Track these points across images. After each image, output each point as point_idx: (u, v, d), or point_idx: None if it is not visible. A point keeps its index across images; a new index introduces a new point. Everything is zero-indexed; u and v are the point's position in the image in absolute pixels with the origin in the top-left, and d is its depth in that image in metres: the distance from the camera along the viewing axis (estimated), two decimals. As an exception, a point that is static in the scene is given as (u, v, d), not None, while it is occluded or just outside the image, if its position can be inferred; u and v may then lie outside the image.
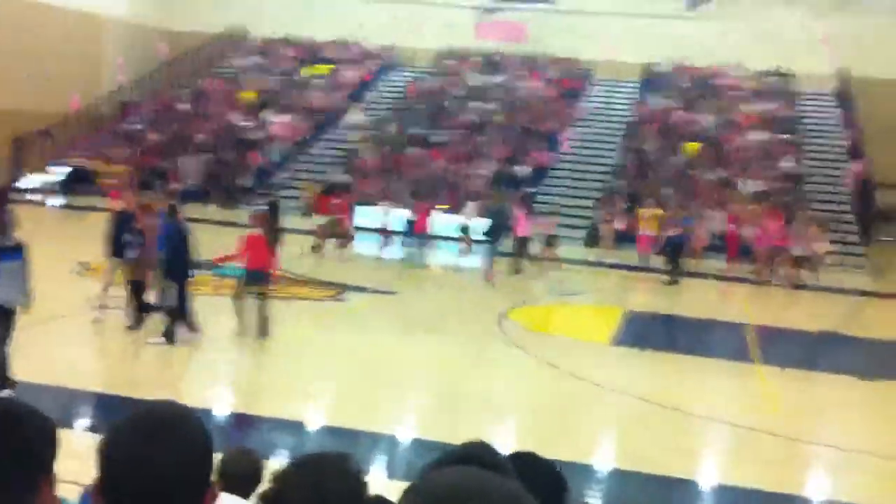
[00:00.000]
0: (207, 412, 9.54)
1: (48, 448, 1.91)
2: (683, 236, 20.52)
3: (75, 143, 31.61)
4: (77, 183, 27.28)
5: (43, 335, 11.18)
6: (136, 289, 12.29)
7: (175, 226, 12.02)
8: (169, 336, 11.74)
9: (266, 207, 14.24)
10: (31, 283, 9.28)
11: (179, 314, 11.87)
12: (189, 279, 11.99)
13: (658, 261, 22.49)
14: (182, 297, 11.83)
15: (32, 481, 1.77)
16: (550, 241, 20.87)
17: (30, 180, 28.36)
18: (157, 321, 12.19)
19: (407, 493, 1.29)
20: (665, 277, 20.14)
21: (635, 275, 21.58)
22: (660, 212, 23.43)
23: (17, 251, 9.22)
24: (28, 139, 29.23)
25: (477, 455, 1.99)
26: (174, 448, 1.72)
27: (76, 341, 12.03)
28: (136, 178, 28.35)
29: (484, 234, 19.64)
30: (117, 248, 12.38)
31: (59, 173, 28.50)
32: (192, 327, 12.02)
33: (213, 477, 1.84)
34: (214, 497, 1.79)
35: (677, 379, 12.46)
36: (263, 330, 12.41)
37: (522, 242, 20.39)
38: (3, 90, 30.83)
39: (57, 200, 26.62)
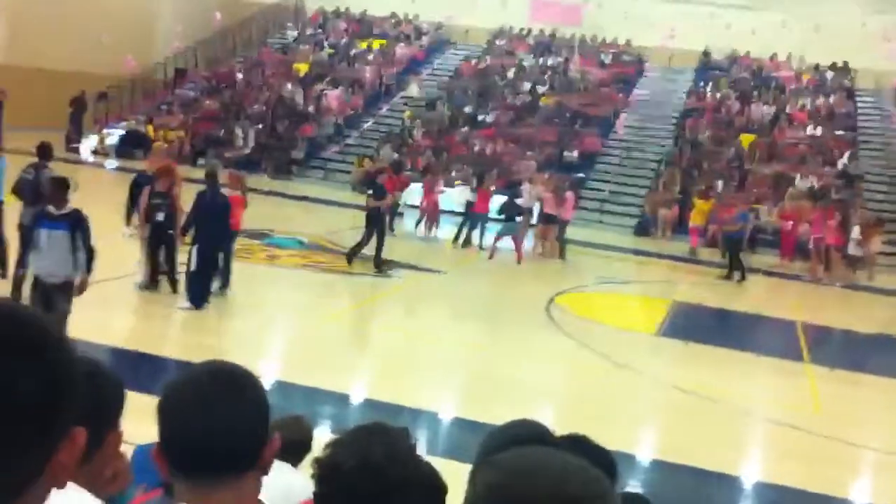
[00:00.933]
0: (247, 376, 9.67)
1: (115, 403, 1.96)
2: (742, 232, 20.19)
3: (131, 108, 32.00)
4: (132, 146, 27.57)
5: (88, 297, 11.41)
6: (155, 251, 12.29)
7: (209, 195, 12.04)
8: (199, 301, 11.79)
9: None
10: (82, 255, 8.79)
11: (193, 277, 11.84)
12: (207, 254, 11.88)
13: (707, 253, 22.32)
14: (199, 266, 11.75)
15: (98, 435, 1.80)
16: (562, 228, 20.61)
17: (86, 142, 28.77)
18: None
19: (483, 467, 1.29)
20: (722, 272, 19.84)
21: (685, 266, 21.41)
22: (711, 203, 23.22)
23: (60, 221, 8.73)
24: (85, 101, 29.57)
25: (538, 435, 1.99)
26: (232, 405, 1.76)
27: (118, 303, 12.16)
28: (188, 145, 28.71)
29: (499, 212, 19.64)
30: (130, 211, 12.69)
31: (114, 136, 28.86)
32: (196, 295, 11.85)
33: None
34: (273, 450, 1.82)
35: (723, 373, 12.39)
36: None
37: (563, 227, 20.30)
38: (63, 52, 31.27)
39: (112, 163, 26.97)
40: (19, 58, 30.05)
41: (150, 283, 12.41)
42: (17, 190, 11.45)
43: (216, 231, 11.95)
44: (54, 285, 8.79)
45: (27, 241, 9.19)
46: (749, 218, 20.74)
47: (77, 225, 8.76)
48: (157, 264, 12.40)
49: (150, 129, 29.31)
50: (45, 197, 11.19)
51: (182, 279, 12.19)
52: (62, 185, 9.03)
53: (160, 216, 12.05)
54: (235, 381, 1.84)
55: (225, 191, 12.86)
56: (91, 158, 27.79)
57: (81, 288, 8.90)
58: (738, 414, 10.50)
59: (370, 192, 16.07)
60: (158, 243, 12.22)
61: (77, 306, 10.04)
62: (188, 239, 12.40)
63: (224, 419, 1.73)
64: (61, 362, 1.21)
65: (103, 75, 31.56)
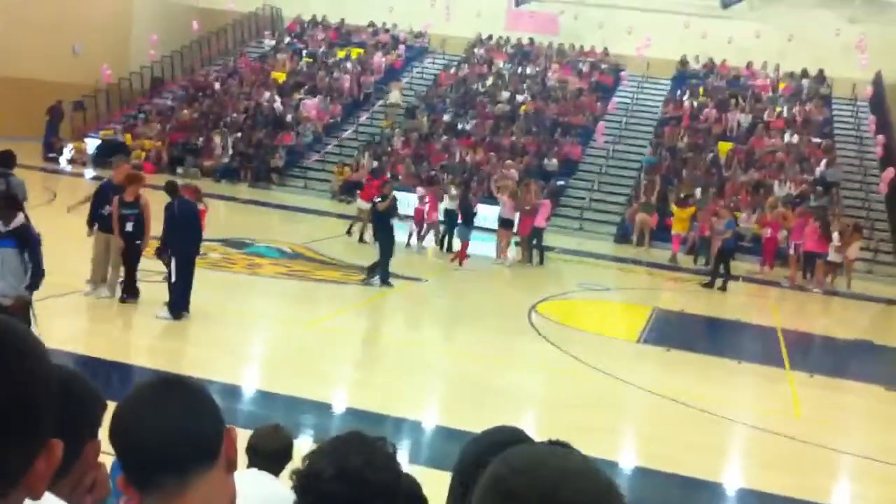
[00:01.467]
0: (231, 388, 9.63)
1: (93, 412, 1.94)
2: (731, 241, 20.19)
3: (108, 117, 31.82)
4: (109, 155, 27.38)
5: (59, 307, 11.29)
6: (128, 261, 12.20)
7: (177, 203, 11.95)
8: (177, 310, 11.72)
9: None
10: (28, 270, 8.32)
11: (172, 288, 11.78)
12: (189, 257, 11.86)
13: (687, 261, 22.46)
14: (180, 274, 11.70)
15: (77, 445, 1.78)
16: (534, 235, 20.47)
17: (64, 151, 28.57)
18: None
19: (496, 459, 1.30)
20: (703, 279, 19.92)
21: (666, 273, 21.50)
22: (692, 210, 23.38)
23: (7, 238, 8.30)
24: (62, 111, 29.38)
25: (517, 441, 1.99)
26: (178, 402, 1.74)
27: (91, 314, 12.09)
28: (166, 153, 28.56)
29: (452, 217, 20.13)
30: (95, 219, 12.33)
31: (90, 145, 28.68)
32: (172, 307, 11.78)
33: (244, 452, 1.86)
34: (232, 440, 1.80)
35: (704, 380, 12.43)
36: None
37: (539, 234, 20.34)
38: (39, 62, 31.08)
39: (90, 172, 26.77)
40: (-7, 68, 29.83)
41: (129, 296, 12.26)
42: None
43: (189, 239, 11.90)
44: (4, 307, 8.14)
45: None
46: (735, 226, 20.77)
47: (26, 240, 8.31)
48: (130, 277, 12.26)
49: (129, 138, 29.15)
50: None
51: (137, 287, 12.25)
52: (9, 202, 8.69)
53: (129, 226, 11.99)
54: (178, 382, 1.82)
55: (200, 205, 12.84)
56: (69, 167, 27.58)
57: (17, 306, 8.24)
58: (719, 420, 10.52)
59: (378, 199, 16.10)
60: (125, 253, 12.14)
61: (53, 315, 9.94)
62: (151, 251, 12.38)
63: (173, 416, 1.71)
64: (34, 371, 1.19)
65: (80, 84, 31.38)
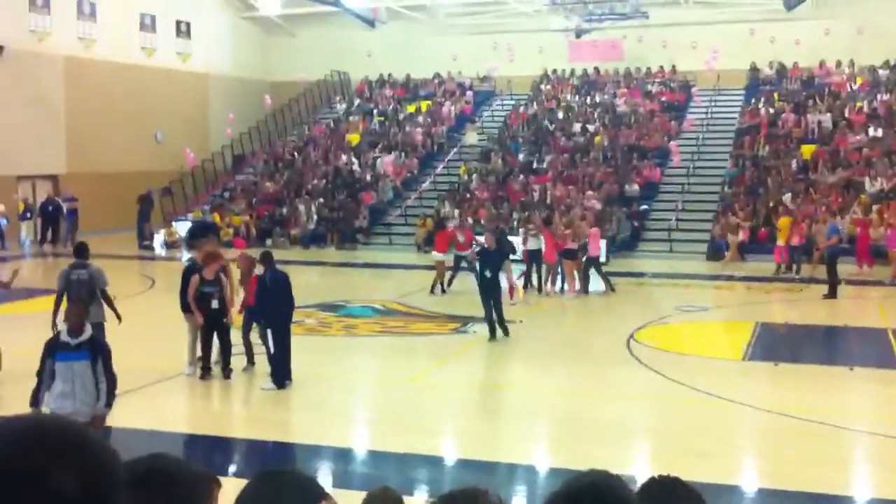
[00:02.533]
0: (341, 451, 9.73)
1: (204, 492, 2.00)
2: (837, 247, 19.61)
3: (196, 198, 32.87)
4: (200, 236, 28.22)
5: (166, 390, 11.63)
6: (208, 338, 12.34)
7: (269, 273, 12.15)
8: (279, 380, 11.88)
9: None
10: (104, 386, 7.78)
11: (272, 359, 11.98)
12: (284, 326, 12.04)
13: (790, 270, 21.93)
14: (277, 344, 11.88)
15: None
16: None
17: (157, 237, 29.56)
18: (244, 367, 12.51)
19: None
20: (824, 290, 19.30)
21: (764, 286, 21.04)
22: (789, 220, 22.83)
23: (79, 350, 7.73)
24: (152, 198, 30.44)
25: (605, 486, 1.99)
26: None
27: (196, 393, 12.31)
28: (254, 227, 29.30)
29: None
30: (184, 302, 12.49)
31: (181, 228, 29.60)
32: (276, 376, 11.94)
33: None
34: None
35: (816, 391, 12.10)
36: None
37: (594, 262, 20.09)
38: (124, 154, 32.46)
39: (184, 254, 27.59)
40: (82, 166, 31.21)
41: (205, 372, 12.43)
42: (64, 289, 11.43)
43: (282, 308, 12.09)
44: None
45: (41, 364, 7.84)
46: (839, 229, 20.11)
47: (98, 351, 7.81)
48: (209, 352, 12.46)
49: (217, 216, 30.04)
50: (95, 293, 11.49)
51: (232, 363, 12.45)
52: (80, 309, 8.08)
53: (214, 303, 12.16)
54: (283, 475, 1.93)
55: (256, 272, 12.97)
56: (163, 252, 28.50)
57: (97, 424, 7.58)
58: (838, 431, 10.21)
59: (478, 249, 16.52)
60: (211, 331, 12.30)
61: (162, 397, 10.22)
62: (237, 322, 12.56)
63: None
64: (98, 464, 1.26)
65: (165, 171, 32.55)
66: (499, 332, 15.02)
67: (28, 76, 29.65)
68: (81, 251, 12.39)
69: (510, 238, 21.45)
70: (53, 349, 7.79)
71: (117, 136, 32.30)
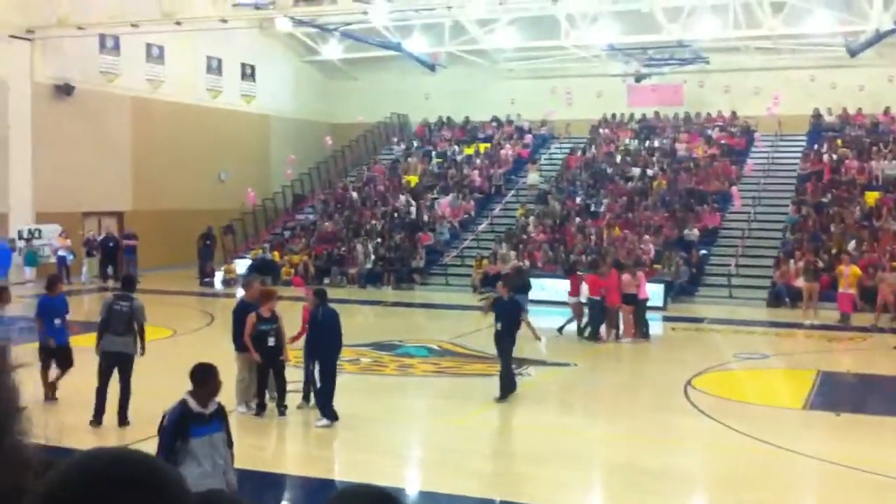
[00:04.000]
0: (395, 491, 9.69)
1: None
2: None
3: (256, 237, 33.36)
4: (261, 273, 28.63)
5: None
6: (264, 376, 12.45)
7: (321, 310, 12.21)
8: (329, 416, 11.91)
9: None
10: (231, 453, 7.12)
11: (319, 394, 12.01)
12: (332, 363, 12.10)
13: (860, 319, 21.42)
14: (324, 379, 11.94)
15: None
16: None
17: (217, 274, 30.01)
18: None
19: None
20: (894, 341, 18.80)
21: (826, 334, 20.60)
22: (857, 270, 22.30)
23: (213, 420, 6.90)
24: (214, 236, 30.95)
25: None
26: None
27: (255, 431, 12.34)
28: (312, 266, 29.60)
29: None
30: (238, 341, 12.62)
31: (241, 266, 30.01)
32: (322, 411, 12.03)
33: None
34: None
35: (880, 443, 11.76)
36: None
37: (643, 306, 19.83)
38: (189, 193, 33.13)
39: (239, 292, 27.95)
40: (146, 203, 31.96)
41: (260, 409, 12.52)
42: (107, 318, 11.86)
43: (332, 345, 12.17)
44: None
45: (166, 445, 6.62)
46: None
47: (225, 417, 7.09)
48: (264, 390, 12.55)
49: (277, 255, 30.44)
50: (132, 328, 11.83)
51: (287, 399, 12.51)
52: (209, 373, 7.02)
53: (271, 341, 12.28)
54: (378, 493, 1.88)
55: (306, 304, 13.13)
56: (223, 289, 28.91)
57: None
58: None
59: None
60: (267, 369, 12.40)
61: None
62: (294, 359, 12.62)
63: None
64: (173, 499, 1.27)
65: (228, 209, 33.13)
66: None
67: (96, 115, 30.51)
68: (128, 283, 12.83)
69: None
70: (186, 423, 6.63)
71: (181, 174, 33.02)
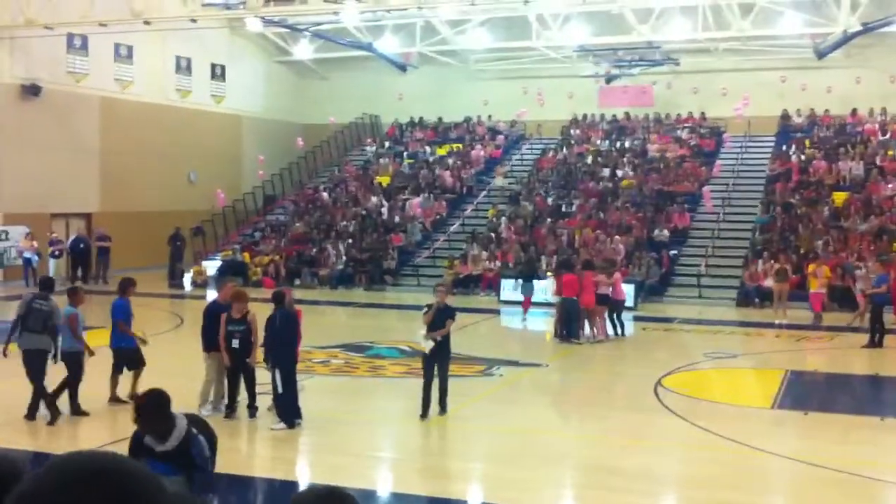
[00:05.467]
0: (366, 493, 9.66)
1: None
2: (885, 296, 19.33)
3: (226, 238, 33.15)
4: (230, 274, 28.46)
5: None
6: (234, 378, 12.42)
7: (279, 313, 12.11)
8: (287, 419, 11.81)
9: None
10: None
11: (280, 399, 11.90)
12: (290, 365, 12.00)
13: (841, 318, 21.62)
14: (286, 383, 11.84)
15: None
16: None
17: (187, 276, 29.79)
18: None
19: None
20: (863, 340, 18.84)
21: (795, 333, 20.79)
22: (828, 270, 22.47)
23: (166, 461, 5.67)
24: (183, 237, 30.71)
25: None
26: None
27: (230, 433, 12.34)
28: (283, 267, 29.46)
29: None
30: (207, 342, 12.60)
31: (211, 267, 29.81)
32: (283, 415, 11.96)
33: None
34: None
35: (847, 441, 11.90)
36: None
37: (619, 306, 19.93)
38: (157, 194, 32.85)
39: (212, 293, 27.78)
40: (115, 204, 31.65)
41: (229, 411, 12.44)
42: (23, 315, 11.94)
43: (290, 349, 12.07)
44: None
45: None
46: (887, 280, 19.76)
47: (188, 463, 5.73)
48: (235, 392, 12.48)
49: (247, 256, 30.27)
50: (48, 325, 11.80)
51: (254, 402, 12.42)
52: (159, 403, 5.89)
53: (235, 343, 12.21)
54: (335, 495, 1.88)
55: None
56: (192, 290, 28.70)
57: None
58: (869, 482, 10.01)
59: (425, 309, 13.12)
60: (236, 370, 12.33)
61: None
62: (260, 360, 12.53)
63: None
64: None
65: (197, 211, 32.91)
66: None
67: (64, 116, 30.19)
68: (46, 285, 12.92)
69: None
70: (138, 455, 5.65)
71: (150, 175, 32.76)
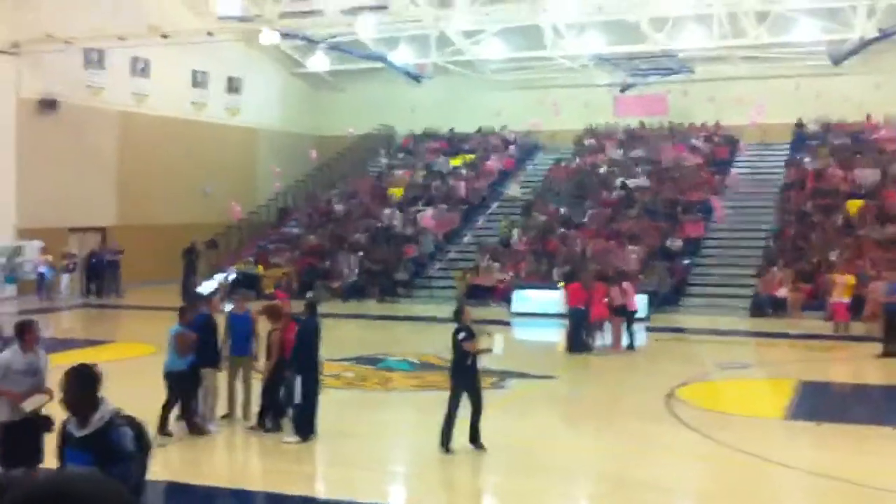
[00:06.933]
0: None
1: None
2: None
3: (240, 251, 33.26)
4: (244, 287, 28.49)
5: (197, 442, 11.74)
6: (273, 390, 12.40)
7: (304, 322, 12.16)
8: (302, 433, 11.77)
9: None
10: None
11: (298, 410, 11.88)
12: (312, 375, 11.96)
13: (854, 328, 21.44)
14: (304, 394, 11.80)
15: None
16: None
17: (201, 289, 29.85)
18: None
19: None
20: (879, 349, 18.65)
21: (809, 343, 20.64)
22: (851, 279, 22.29)
23: (83, 447, 5.18)
24: (198, 250, 30.83)
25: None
26: None
27: (230, 446, 12.39)
28: (296, 280, 29.50)
29: None
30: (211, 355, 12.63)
31: (225, 279, 29.87)
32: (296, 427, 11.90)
33: None
34: None
35: (861, 452, 11.78)
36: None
37: (631, 317, 19.88)
38: (173, 207, 33.03)
39: (227, 305, 27.84)
40: (131, 218, 31.85)
41: (267, 422, 12.47)
42: None
43: (314, 360, 12.08)
44: None
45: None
46: None
47: (108, 453, 5.06)
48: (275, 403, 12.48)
49: (261, 268, 30.35)
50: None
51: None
52: (82, 378, 5.36)
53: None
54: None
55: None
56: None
57: None
58: (884, 494, 9.90)
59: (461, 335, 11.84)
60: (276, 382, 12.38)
61: (185, 448, 10.20)
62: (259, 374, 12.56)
63: None
64: None
65: (212, 223, 33.05)
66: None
67: (81, 130, 30.43)
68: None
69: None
70: (63, 445, 5.40)
71: (166, 189, 32.95)
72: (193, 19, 30.36)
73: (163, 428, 11.74)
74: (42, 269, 28.06)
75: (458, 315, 11.90)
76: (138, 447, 5.20)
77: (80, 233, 31.25)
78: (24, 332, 8.51)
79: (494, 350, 12.31)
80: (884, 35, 28.28)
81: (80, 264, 29.80)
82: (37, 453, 8.25)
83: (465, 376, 11.55)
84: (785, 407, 14.18)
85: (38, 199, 28.85)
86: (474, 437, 11.40)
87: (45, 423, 7.73)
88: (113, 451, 5.06)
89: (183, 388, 12.01)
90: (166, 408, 11.95)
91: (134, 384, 12.50)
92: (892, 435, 12.50)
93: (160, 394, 11.90)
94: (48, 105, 29.38)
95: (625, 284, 20.18)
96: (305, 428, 11.82)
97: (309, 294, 27.23)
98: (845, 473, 10.37)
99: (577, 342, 19.18)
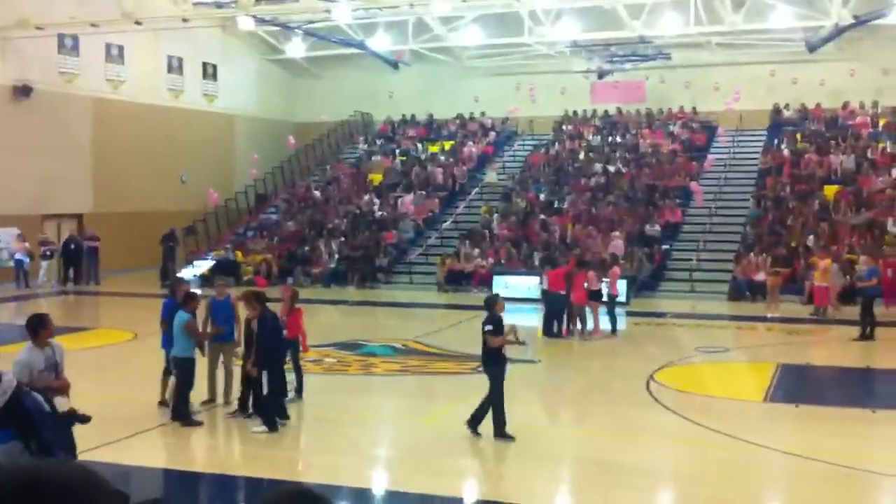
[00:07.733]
0: (360, 491, 9.67)
1: None
2: (874, 288, 19.41)
3: (219, 238, 33.11)
4: (223, 274, 28.40)
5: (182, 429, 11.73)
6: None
7: (269, 318, 12.07)
8: (269, 423, 11.70)
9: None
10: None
11: (265, 400, 11.87)
12: (278, 370, 11.97)
13: (838, 313, 21.64)
14: (271, 388, 11.80)
15: None
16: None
17: (180, 273, 29.71)
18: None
19: None
20: (853, 333, 18.91)
21: (785, 327, 20.84)
22: (829, 262, 22.45)
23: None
24: (176, 237, 30.66)
25: None
26: None
27: (212, 432, 12.37)
28: (276, 265, 29.40)
29: None
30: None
31: (203, 266, 29.78)
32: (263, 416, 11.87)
33: None
34: None
35: (839, 434, 11.92)
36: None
37: (613, 301, 20.00)
38: (150, 194, 32.79)
39: (203, 292, 27.74)
40: (107, 205, 31.58)
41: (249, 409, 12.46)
42: None
43: (280, 352, 12.10)
44: None
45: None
46: (877, 272, 19.82)
47: (23, 421, 5.05)
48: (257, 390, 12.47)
49: (239, 255, 30.22)
50: None
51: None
52: None
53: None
54: (305, 494, 1.82)
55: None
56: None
57: None
58: (862, 474, 10.04)
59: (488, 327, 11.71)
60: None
61: (177, 433, 10.19)
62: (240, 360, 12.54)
63: None
64: None
65: (190, 210, 32.86)
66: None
67: (56, 117, 30.11)
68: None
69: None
70: None
71: (143, 176, 32.70)
72: (169, 5, 30.06)
73: (185, 416, 11.90)
74: (19, 256, 27.79)
75: (489, 306, 11.71)
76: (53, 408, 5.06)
77: (56, 220, 30.99)
78: (39, 328, 7.92)
79: (520, 339, 12.15)
80: (859, 22, 28.47)
81: (57, 252, 29.54)
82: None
83: (498, 364, 11.51)
84: (764, 389, 14.32)
85: (13, 185, 28.53)
86: (474, 423, 11.42)
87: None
88: (32, 416, 4.88)
89: (185, 375, 11.99)
90: (185, 393, 11.98)
91: (112, 370, 12.46)
92: (870, 417, 12.65)
93: (144, 379, 11.85)
94: (22, 91, 29.04)
95: (615, 269, 20.35)
96: (272, 421, 11.67)
97: (290, 281, 27.26)
98: (823, 454, 10.50)
99: (549, 328, 19.29)
